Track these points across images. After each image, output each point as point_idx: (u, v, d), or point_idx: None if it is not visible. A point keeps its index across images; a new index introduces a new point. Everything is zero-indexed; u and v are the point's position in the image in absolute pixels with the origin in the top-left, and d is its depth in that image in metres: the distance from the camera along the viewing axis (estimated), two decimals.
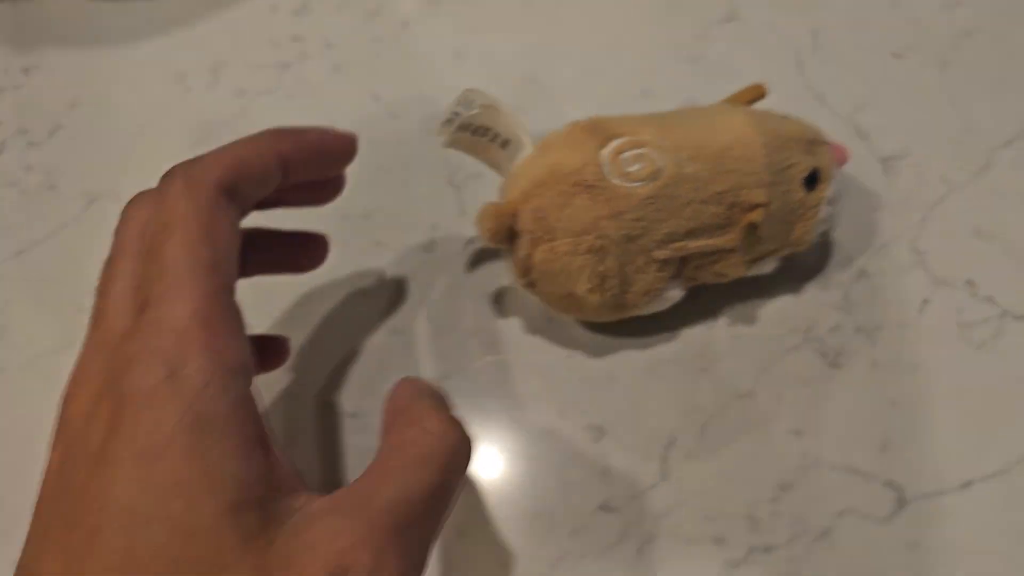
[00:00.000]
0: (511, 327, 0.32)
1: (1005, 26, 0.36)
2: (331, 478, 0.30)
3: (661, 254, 0.27)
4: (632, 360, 0.31)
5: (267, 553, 0.18)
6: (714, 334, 0.31)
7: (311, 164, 0.25)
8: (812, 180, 0.29)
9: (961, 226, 0.33)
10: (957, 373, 0.30)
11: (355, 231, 0.34)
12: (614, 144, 0.27)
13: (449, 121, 0.28)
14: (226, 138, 0.35)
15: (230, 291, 0.21)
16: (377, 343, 0.32)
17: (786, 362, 0.31)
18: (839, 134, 0.34)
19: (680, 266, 0.28)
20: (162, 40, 0.39)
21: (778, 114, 0.30)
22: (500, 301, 0.32)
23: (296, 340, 0.31)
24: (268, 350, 0.29)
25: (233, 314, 0.21)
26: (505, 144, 0.28)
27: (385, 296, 0.33)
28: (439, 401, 0.24)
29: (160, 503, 0.18)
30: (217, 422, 0.19)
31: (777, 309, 0.32)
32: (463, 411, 0.30)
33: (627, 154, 0.27)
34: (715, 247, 0.28)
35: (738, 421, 0.30)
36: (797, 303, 0.32)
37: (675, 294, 0.29)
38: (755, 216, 0.27)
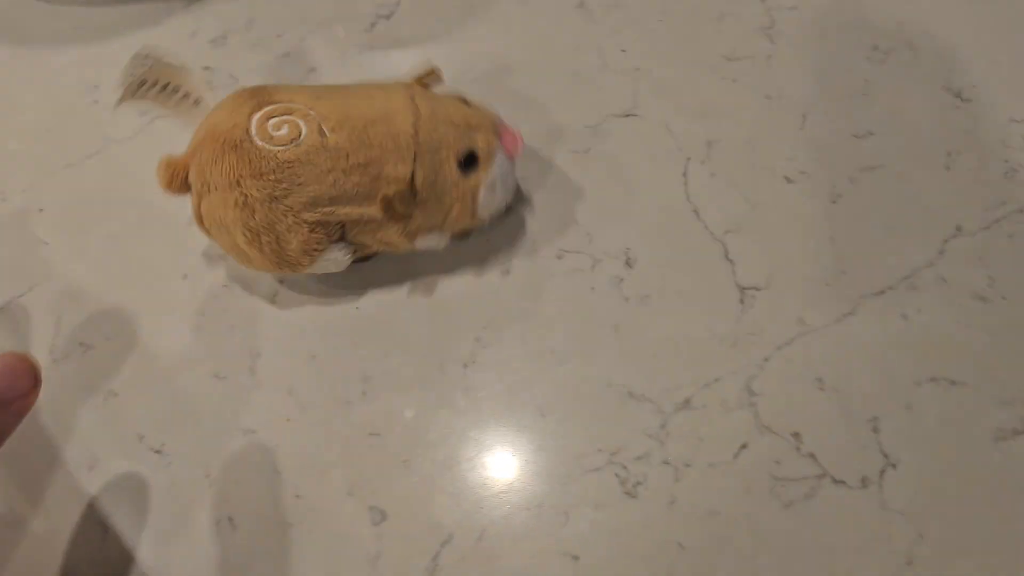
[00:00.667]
0: (324, 388, 0.32)
1: (910, 166, 0.34)
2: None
3: (310, 216, 0.29)
4: (430, 451, 0.31)
5: None
6: (520, 438, 0.31)
7: None
8: (469, 163, 0.30)
9: (804, 374, 0.31)
10: (757, 529, 0.29)
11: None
12: (264, 110, 0.28)
13: (130, 83, 0.30)
14: (118, 157, 0.36)
15: None
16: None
17: (582, 481, 0.30)
18: (706, 252, 0.33)
19: (342, 231, 0.30)
20: (84, 49, 0.40)
21: (455, 97, 0.31)
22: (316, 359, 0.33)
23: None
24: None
25: None
26: (197, 102, 0.31)
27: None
28: None
29: None
30: None
31: (587, 425, 0.31)
32: (256, 469, 0.31)
33: (274, 120, 0.28)
34: (361, 215, 0.29)
35: (519, 532, 0.29)
36: (610, 423, 0.31)
37: (340, 257, 0.30)
38: (389, 190, 0.28)
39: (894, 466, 0.30)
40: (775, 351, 0.32)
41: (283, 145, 0.28)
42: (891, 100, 0.36)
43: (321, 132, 0.28)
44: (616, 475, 0.30)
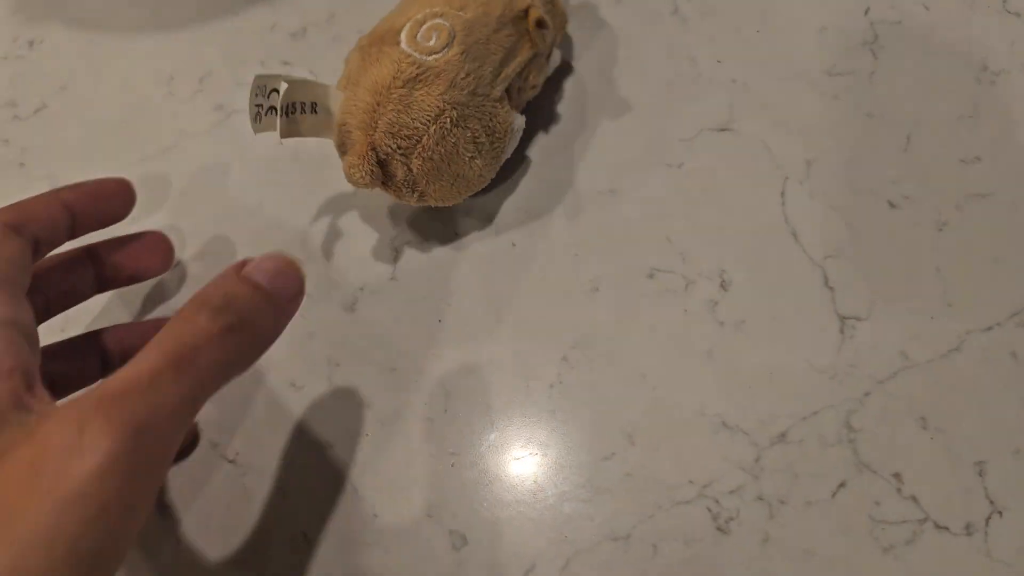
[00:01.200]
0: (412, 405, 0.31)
1: (1021, 195, 0.33)
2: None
3: (497, 91, 0.30)
4: (514, 474, 0.30)
5: None
6: (607, 465, 0.30)
7: (92, 208, 0.28)
8: None
9: (906, 411, 0.30)
10: (854, 573, 0.28)
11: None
12: (404, 34, 0.29)
13: (262, 115, 0.28)
14: (192, 150, 0.35)
15: (14, 289, 0.23)
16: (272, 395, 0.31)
17: (672, 514, 0.29)
18: (805, 278, 0.32)
19: (510, 96, 0.32)
20: (162, 38, 0.39)
21: None
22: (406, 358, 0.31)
23: None
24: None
25: (12, 291, 0.23)
26: (314, 108, 0.29)
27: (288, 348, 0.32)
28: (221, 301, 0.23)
29: None
30: None
31: (678, 455, 0.30)
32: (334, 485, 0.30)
33: (420, 35, 0.29)
34: (525, 59, 0.31)
35: (604, 564, 0.28)
36: (701, 453, 0.30)
37: (520, 122, 0.32)
38: (536, 13, 0.31)
39: (1000, 513, 0.28)
40: (876, 385, 0.30)
41: (446, 46, 0.29)
42: (1001, 124, 0.34)
43: (458, 17, 0.29)
44: (708, 509, 0.29)
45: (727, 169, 0.34)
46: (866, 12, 0.37)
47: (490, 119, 0.30)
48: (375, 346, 0.32)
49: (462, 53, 0.29)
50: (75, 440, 0.19)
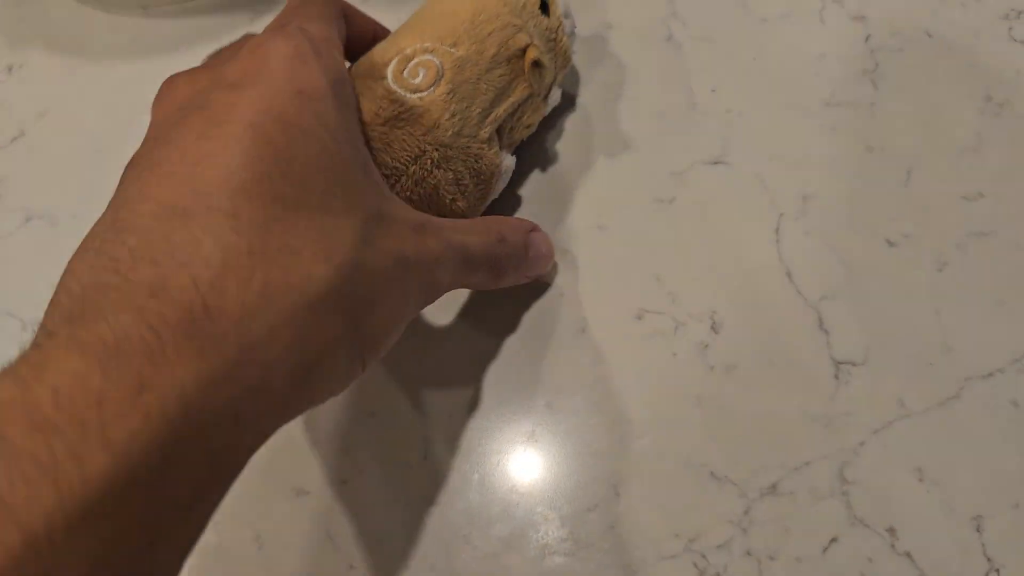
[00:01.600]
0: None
1: None
2: None
3: (485, 132, 0.29)
4: (494, 525, 0.29)
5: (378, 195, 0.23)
6: (590, 517, 0.29)
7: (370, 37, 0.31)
8: (544, 6, 0.31)
9: (902, 462, 0.29)
10: None
11: None
12: (391, 69, 0.28)
13: None
14: None
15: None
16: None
17: (657, 569, 0.28)
18: (799, 320, 0.31)
19: (501, 136, 0.31)
20: (143, 64, 0.38)
21: None
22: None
23: None
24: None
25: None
26: None
27: None
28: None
29: (310, 115, 0.21)
30: (352, 107, 0.24)
31: (664, 507, 0.29)
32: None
33: (406, 71, 0.28)
34: (519, 100, 0.30)
35: None
36: (688, 505, 0.29)
37: (510, 162, 0.31)
38: (532, 53, 0.30)
39: (999, 571, 0.27)
40: (871, 435, 0.29)
41: (432, 84, 0.28)
42: (1005, 158, 0.33)
43: (448, 54, 0.29)
44: (694, 564, 0.28)
45: (720, 204, 0.33)
46: (866, 39, 0.36)
47: (476, 161, 0.29)
48: (354, 390, 0.31)
49: (449, 92, 0.28)
50: None
